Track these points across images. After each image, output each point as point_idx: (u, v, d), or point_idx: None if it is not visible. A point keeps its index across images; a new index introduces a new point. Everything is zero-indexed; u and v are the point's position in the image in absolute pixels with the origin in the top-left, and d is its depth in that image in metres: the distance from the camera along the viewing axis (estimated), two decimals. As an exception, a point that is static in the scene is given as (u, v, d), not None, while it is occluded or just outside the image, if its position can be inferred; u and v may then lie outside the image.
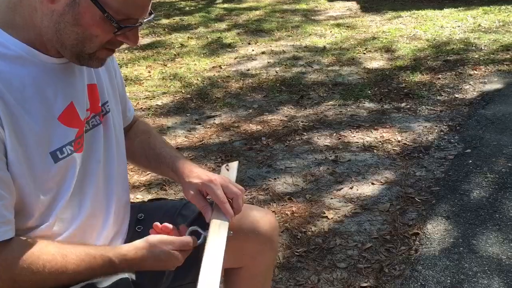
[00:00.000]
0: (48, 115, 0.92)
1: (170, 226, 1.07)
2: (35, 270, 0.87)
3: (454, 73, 4.13)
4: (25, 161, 0.89)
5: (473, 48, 4.70)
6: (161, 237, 1.03)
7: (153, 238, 1.02)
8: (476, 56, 4.47)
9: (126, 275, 1.07)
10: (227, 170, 1.27)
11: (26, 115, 0.88)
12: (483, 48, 4.68)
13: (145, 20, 0.91)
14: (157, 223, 1.07)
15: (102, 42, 0.89)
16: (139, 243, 1.01)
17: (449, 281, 1.88)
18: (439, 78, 4.03)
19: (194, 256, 1.04)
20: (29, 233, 0.94)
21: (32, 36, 0.89)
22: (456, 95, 3.68)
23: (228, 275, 1.33)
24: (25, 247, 0.88)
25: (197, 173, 1.14)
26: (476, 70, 4.14)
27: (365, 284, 1.91)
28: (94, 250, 0.96)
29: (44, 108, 0.92)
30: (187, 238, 1.05)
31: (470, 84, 3.87)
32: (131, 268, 1.00)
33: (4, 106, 0.85)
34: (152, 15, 0.94)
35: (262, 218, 1.24)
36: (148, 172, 2.76)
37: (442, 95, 3.70)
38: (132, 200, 2.63)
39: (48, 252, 0.90)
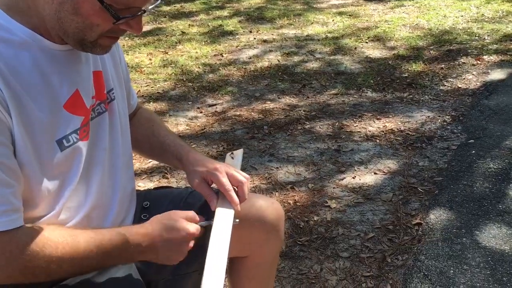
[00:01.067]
0: (53, 103, 0.91)
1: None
2: (47, 254, 0.86)
3: (457, 63, 4.10)
4: (32, 149, 0.87)
5: (476, 38, 4.67)
6: (165, 213, 1.02)
7: (157, 215, 1.01)
8: (479, 46, 4.44)
9: (132, 265, 1.07)
10: (232, 158, 1.26)
11: (32, 102, 0.87)
12: (486, 38, 4.65)
13: (150, 7, 0.89)
14: None
15: (103, 30, 0.87)
16: (145, 222, 1.00)
17: (452, 271, 1.88)
18: (442, 68, 4.00)
19: (200, 245, 1.03)
20: (36, 222, 0.93)
21: (36, 21, 0.88)
22: (459, 85, 3.66)
23: (234, 264, 1.33)
24: (35, 232, 0.87)
25: (202, 161, 1.13)
26: (479, 60, 4.11)
27: (367, 274, 1.91)
28: (103, 229, 0.96)
29: (49, 96, 0.90)
30: (190, 212, 1.03)
31: (473, 74, 3.85)
32: (143, 242, 0.96)
33: (11, 93, 0.84)
34: (158, 1, 0.92)
35: (268, 207, 1.23)
36: (150, 160, 2.75)
37: (445, 85, 3.68)
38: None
39: (59, 233, 0.89)
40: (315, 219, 2.24)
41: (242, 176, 1.11)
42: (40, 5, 0.86)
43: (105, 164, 1.04)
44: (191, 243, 1.00)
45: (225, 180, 1.08)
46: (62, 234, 0.90)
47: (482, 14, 5.42)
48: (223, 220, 1.04)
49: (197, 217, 1.03)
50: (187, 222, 0.99)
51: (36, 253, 0.86)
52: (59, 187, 0.94)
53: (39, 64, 0.89)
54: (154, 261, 1.00)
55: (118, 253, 0.94)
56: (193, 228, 0.99)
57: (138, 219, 1.18)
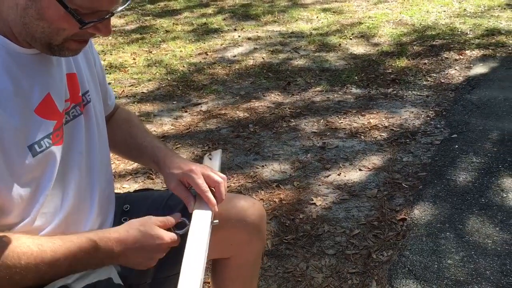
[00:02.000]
0: (24, 108, 0.89)
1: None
2: (10, 264, 0.84)
3: (439, 58, 4.13)
4: (2, 156, 0.86)
5: (459, 33, 4.71)
6: (140, 218, 1.01)
7: (133, 220, 1.00)
8: (462, 40, 4.48)
9: (112, 267, 1.06)
10: (210, 159, 1.25)
11: (1, 108, 0.85)
12: (468, 32, 4.69)
13: (118, 10, 0.87)
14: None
15: (69, 34, 0.86)
16: (119, 226, 0.99)
17: (436, 265, 1.90)
18: (425, 63, 4.03)
19: (180, 247, 1.02)
20: (11, 229, 0.91)
21: (2, 27, 0.86)
22: (442, 80, 3.69)
23: (217, 265, 1.32)
24: (8, 244, 0.86)
25: (178, 163, 1.12)
26: (461, 55, 4.15)
27: (353, 270, 1.92)
28: (72, 235, 0.93)
29: (20, 101, 0.88)
30: (167, 217, 1.03)
31: (455, 69, 3.88)
32: (116, 249, 0.95)
33: None
34: (127, 3, 0.90)
35: (250, 207, 1.23)
36: (134, 161, 2.73)
37: (428, 81, 3.71)
38: (118, 190, 2.61)
39: (23, 243, 0.87)
40: (300, 217, 2.25)
41: (218, 176, 1.10)
42: (4, 11, 0.84)
43: (82, 167, 1.02)
44: (164, 251, 1.00)
45: (201, 182, 1.07)
46: (27, 243, 0.88)
47: (464, 9, 5.47)
48: (201, 222, 1.04)
49: (173, 222, 1.02)
50: (163, 231, 0.99)
51: (6, 265, 0.84)
52: (32, 193, 0.92)
53: (8, 69, 0.87)
54: (124, 265, 0.99)
55: (87, 260, 0.92)
56: (168, 237, 0.99)
57: (118, 222, 1.16)
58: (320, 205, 2.33)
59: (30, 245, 0.88)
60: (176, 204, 1.19)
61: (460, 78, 3.72)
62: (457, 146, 2.74)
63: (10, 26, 0.85)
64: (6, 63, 0.87)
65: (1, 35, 0.86)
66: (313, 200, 2.36)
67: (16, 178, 0.88)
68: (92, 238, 0.93)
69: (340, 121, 3.14)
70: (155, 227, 0.98)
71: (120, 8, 0.87)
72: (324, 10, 5.90)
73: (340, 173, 2.57)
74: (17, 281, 0.87)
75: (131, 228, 0.97)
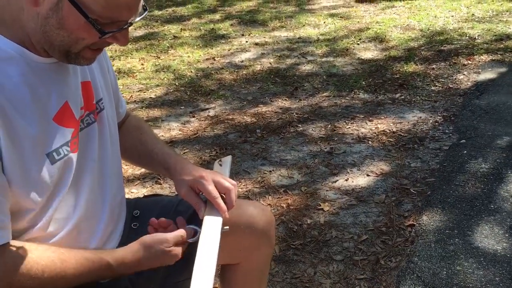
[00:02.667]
0: (43, 116, 0.90)
1: (166, 221, 1.07)
2: (33, 275, 0.87)
3: (448, 63, 4.12)
4: (20, 164, 0.87)
5: (467, 38, 4.70)
6: (155, 236, 1.03)
7: (147, 238, 1.02)
8: (470, 46, 4.47)
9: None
10: (220, 165, 1.26)
11: (20, 117, 0.86)
12: (476, 37, 4.68)
13: (136, 20, 0.89)
14: (154, 219, 1.07)
15: (88, 43, 0.88)
16: (134, 246, 1.01)
17: (445, 272, 1.89)
18: (433, 68, 4.02)
19: (190, 253, 1.03)
20: (24, 234, 0.92)
21: (21, 35, 0.87)
22: (450, 85, 3.68)
23: (225, 271, 1.33)
24: (24, 252, 0.87)
25: (188, 169, 1.13)
26: (470, 60, 4.13)
27: (361, 277, 1.92)
28: (92, 255, 0.96)
29: (38, 109, 0.90)
30: (180, 232, 1.05)
31: (464, 74, 3.87)
32: (129, 270, 1.00)
33: None
34: (146, 12, 0.92)
35: (259, 213, 1.23)
36: (142, 166, 2.74)
37: (436, 86, 3.70)
38: (127, 195, 2.61)
39: (48, 257, 0.90)
40: (308, 222, 2.25)
41: (229, 183, 1.11)
42: (24, 20, 0.85)
43: (95, 174, 1.03)
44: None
45: (211, 188, 1.08)
46: (51, 258, 0.90)
47: (473, 14, 5.46)
48: (211, 228, 1.04)
49: (185, 236, 1.05)
50: (177, 249, 1.02)
51: (21, 274, 0.86)
52: (47, 200, 0.93)
53: (26, 78, 0.88)
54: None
55: (103, 277, 0.99)
56: (180, 253, 1.04)
57: (128, 228, 1.17)
58: (327, 210, 2.32)
59: (54, 259, 0.90)
60: (185, 210, 1.20)
61: (469, 83, 3.70)
62: (465, 151, 2.73)
63: (29, 35, 0.87)
64: (24, 72, 0.88)
65: (20, 45, 0.88)
66: (320, 205, 2.36)
67: (32, 185, 0.89)
68: (109, 262, 0.97)
69: (347, 126, 3.14)
70: (170, 249, 1.02)
71: (138, 19, 0.88)
72: (332, 15, 5.91)
73: (348, 179, 2.57)
74: None
75: (148, 251, 1.01)
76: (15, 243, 0.88)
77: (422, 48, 4.52)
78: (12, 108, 0.85)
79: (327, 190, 2.48)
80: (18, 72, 0.87)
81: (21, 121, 0.86)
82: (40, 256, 0.88)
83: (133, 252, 0.99)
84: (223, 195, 1.10)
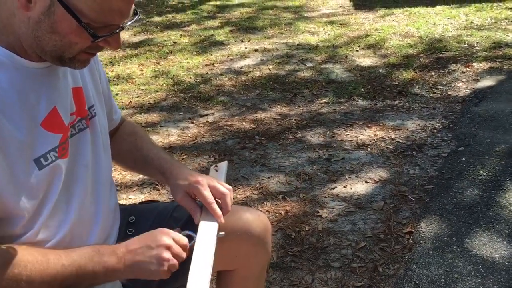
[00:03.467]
0: (30, 121, 0.90)
1: None
2: (16, 272, 0.86)
3: (446, 70, 4.13)
4: (7, 169, 0.86)
5: (466, 45, 4.71)
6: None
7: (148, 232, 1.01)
8: (469, 53, 4.48)
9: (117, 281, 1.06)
10: (216, 170, 1.26)
11: (7, 122, 0.86)
12: (475, 45, 4.69)
13: (128, 24, 0.89)
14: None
15: (82, 48, 0.87)
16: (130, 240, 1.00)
17: (443, 280, 1.88)
18: (432, 76, 4.03)
19: (185, 259, 1.02)
20: (15, 241, 0.91)
21: (11, 40, 0.87)
22: (449, 93, 3.69)
23: (221, 278, 1.32)
24: (4, 253, 0.86)
25: (184, 174, 1.13)
26: (468, 68, 4.14)
27: (359, 284, 1.91)
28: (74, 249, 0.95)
29: (26, 114, 0.89)
30: (182, 236, 1.03)
31: (462, 82, 3.87)
32: (119, 257, 0.95)
33: None
34: (136, 16, 0.91)
35: (255, 220, 1.23)
36: (140, 172, 2.74)
37: (435, 93, 3.70)
38: (124, 201, 2.61)
39: (28, 252, 0.89)
40: (306, 229, 2.24)
41: (224, 188, 1.10)
42: (16, 24, 0.85)
43: (87, 180, 1.03)
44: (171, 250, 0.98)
45: (207, 193, 1.08)
46: (31, 252, 0.89)
47: (471, 22, 5.47)
48: (207, 233, 1.04)
49: (184, 241, 1.02)
50: (172, 242, 0.99)
51: (6, 276, 0.85)
52: (37, 206, 0.92)
53: (15, 84, 0.88)
54: (132, 275, 0.99)
55: (92, 266, 0.93)
56: (173, 234, 0.99)
57: (123, 234, 1.17)
58: (326, 217, 2.31)
59: (35, 254, 0.89)
60: (181, 216, 1.20)
61: (467, 90, 3.71)
62: (464, 158, 2.73)
63: (21, 40, 0.87)
64: (13, 78, 0.88)
65: (10, 50, 0.88)
66: (319, 212, 2.35)
67: (21, 191, 0.89)
68: (95, 246, 0.94)
69: (346, 133, 3.14)
70: (165, 236, 0.99)
71: (129, 22, 0.88)
72: (331, 22, 5.93)
73: (346, 185, 2.56)
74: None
75: (138, 237, 0.98)
76: (5, 250, 0.87)
77: (421, 55, 4.53)
78: (0, 114, 0.85)
79: (325, 197, 2.48)
80: (7, 78, 0.87)
81: (8, 126, 0.86)
82: (21, 252, 0.88)
83: (123, 242, 0.98)
84: (218, 200, 1.09)
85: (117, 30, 0.87)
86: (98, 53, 1.00)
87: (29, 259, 0.87)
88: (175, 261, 0.97)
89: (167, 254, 0.96)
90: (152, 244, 0.96)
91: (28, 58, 0.90)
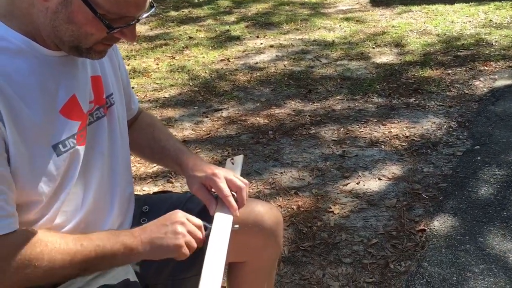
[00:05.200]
0: (49, 108, 0.92)
1: None
2: (40, 255, 0.88)
3: (464, 68, 4.08)
4: (26, 155, 0.88)
5: (484, 43, 4.65)
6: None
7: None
8: (487, 51, 4.42)
9: (129, 266, 1.07)
10: (232, 163, 1.27)
11: (27, 108, 0.88)
12: (494, 43, 4.62)
13: (144, 16, 0.90)
14: None
15: (98, 39, 0.89)
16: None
17: (455, 278, 1.87)
18: (449, 74, 3.99)
19: (198, 249, 1.04)
20: (32, 226, 0.93)
21: (31, 29, 0.89)
22: (466, 91, 3.65)
23: (232, 269, 1.33)
24: (28, 235, 0.88)
25: (201, 166, 1.14)
26: (486, 66, 4.09)
27: (370, 280, 1.91)
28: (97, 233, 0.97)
29: (45, 101, 0.91)
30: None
31: (480, 80, 3.83)
32: (138, 236, 0.97)
33: (4, 100, 0.85)
34: (153, 9, 0.93)
35: (267, 212, 1.24)
36: (154, 165, 2.76)
37: (451, 91, 3.66)
38: (138, 192, 2.64)
39: (50, 235, 0.91)
40: (318, 224, 2.24)
41: (241, 181, 1.11)
42: (34, 14, 0.87)
43: (104, 168, 1.05)
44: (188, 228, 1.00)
45: (223, 186, 1.08)
46: (51, 234, 0.91)
47: (490, 20, 5.40)
48: (222, 226, 1.05)
49: (199, 222, 1.03)
50: (186, 222, 1.00)
51: (28, 256, 0.87)
52: (54, 191, 0.94)
53: (35, 71, 0.90)
54: (148, 255, 1.00)
55: (111, 246, 0.95)
56: (189, 230, 1.00)
57: (137, 223, 1.18)
58: (338, 213, 2.31)
59: (56, 237, 0.90)
60: (194, 207, 1.21)
61: (485, 89, 3.66)
62: (479, 157, 2.70)
63: (39, 29, 0.88)
64: (33, 65, 0.90)
65: (29, 38, 0.89)
66: (331, 208, 2.35)
67: (38, 176, 0.91)
68: (111, 228, 0.97)
69: (360, 130, 3.13)
70: (181, 218, 1.00)
71: (145, 15, 0.90)
72: (347, 19, 5.89)
73: (359, 182, 2.56)
74: (46, 272, 0.89)
75: (156, 219, 1.00)
76: (19, 230, 0.89)
77: (438, 53, 4.48)
78: (20, 99, 0.87)
79: (338, 193, 2.47)
80: (27, 65, 0.89)
81: (27, 112, 0.88)
82: (42, 235, 0.90)
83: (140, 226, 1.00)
84: (234, 193, 1.10)
85: (133, 22, 0.88)
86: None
87: (49, 239, 0.90)
88: (190, 237, 0.98)
89: (181, 228, 0.98)
90: (167, 222, 0.99)
91: (47, 47, 0.91)
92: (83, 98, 0.98)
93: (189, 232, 0.98)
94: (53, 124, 0.92)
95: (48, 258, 0.88)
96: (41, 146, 0.90)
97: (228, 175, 1.12)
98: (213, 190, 1.12)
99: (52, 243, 0.89)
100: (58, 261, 0.89)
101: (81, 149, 0.98)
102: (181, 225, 0.98)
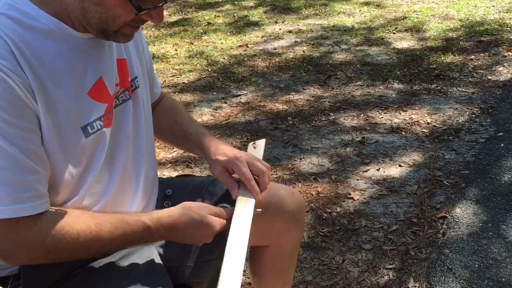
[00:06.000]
0: (78, 90, 0.93)
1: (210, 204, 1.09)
2: (69, 240, 0.89)
3: (487, 54, 4.00)
4: (57, 135, 0.89)
5: (508, 28, 4.53)
6: (196, 202, 1.04)
7: (188, 202, 1.03)
8: (511, 37, 4.32)
9: (153, 248, 1.09)
10: (254, 148, 1.26)
11: (57, 89, 0.89)
12: (518, 28, 4.51)
13: None
14: (200, 200, 1.10)
15: (125, 21, 0.89)
16: (174, 208, 1.02)
17: (477, 265, 1.85)
18: (471, 59, 3.91)
19: (221, 232, 1.04)
20: (60, 207, 0.95)
21: (60, 10, 0.89)
22: (489, 77, 3.57)
23: (255, 253, 1.34)
24: (60, 217, 0.90)
25: (223, 150, 1.14)
26: (510, 52, 4.00)
27: (390, 266, 1.90)
28: (128, 216, 0.97)
29: (74, 83, 0.92)
30: (219, 208, 1.06)
31: (504, 66, 3.75)
32: (167, 233, 0.99)
33: (36, 80, 0.86)
34: None
35: (289, 197, 1.23)
36: (174, 150, 2.78)
37: (474, 77, 3.59)
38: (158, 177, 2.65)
39: (82, 221, 0.91)
40: (338, 210, 2.24)
41: (263, 165, 1.11)
42: None
43: (129, 150, 1.05)
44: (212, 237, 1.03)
45: (245, 170, 1.08)
46: (86, 222, 0.92)
47: (515, 4, 5.26)
48: (244, 209, 1.05)
49: (224, 214, 1.05)
50: (214, 219, 1.02)
51: (57, 239, 0.88)
52: (82, 173, 0.96)
53: (63, 52, 0.91)
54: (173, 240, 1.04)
55: (139, 241, 0.98)
56: (219, 226, 1.02)
57: (160, 206, 1.19)
58: (357, 199, 2.30)
59: (89, 223, 0.92)
60: (216, 191, 1.21)
61: (509, 75, 3.59)
62: (503, 144, 2.65)
63: (68, 10, 0.89)
64: (62, 46, 0.91)
65: (59, 19, 0.90)
66: (350, 194, 2.34)
67: (68, 157, 0.92)
68: (146, 222, 0.97)
69: (380, 116, 3.09)
70: (208, 216, 1.01)
71: None
72: (367, 3, 5.80)
73: (379, 168, 2.54)
74: (74, 254, 0.92)
75: (185, 214, 1.00)
76: (50, 210, 0.90)
77: (461, 38, 4.39)
78: (50, 80, 0.88)
79: (357, 179, 2.46)
80: (56, 46, 0.90)
81: (58, 93, 0.89)
82: (75, 220, 0.91)
83: (171, 213, 1.00)
84: (256, 177, 1.10)
85: (160, 4, 0.88)
86: (138, 28, 1.01)
87: (82, 228, 0.91)
88: (212, 231, 1.02)
89: (207, 240, 1.03)
90: (198, 234, 1.03)
91: (75, 28, 0.92)
92: (110, 81, 0.99)
93: (209, 225, 1.01)
94: (82, 106, 0.93)
95: (72, 239, 0.90)
96: (71, 128, 0.91)
97: (250, 159, 1.11)
98: (235, 174, 1.12)
99: (78, 223, 0.91)
100: (82, 241, 0.91)
101: (108, 131, 0.98)
102: (202, 227, 1.01)
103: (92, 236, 0.91)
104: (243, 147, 2.76)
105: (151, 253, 1.07)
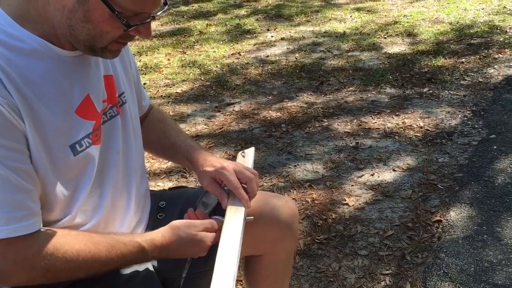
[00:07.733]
0: (65, 108, 0.93)
1: (203, 213, 1.11)
2: (69, 259, 0.89)
3: (478, 57, 4.03)
4: (46, 154, 0.89)
5: (498, 31, 4.58)
6: (184, 221, 1.05)
7: (176, 222, 1.04)
8: (501, 39, 4.35)
9: (148, 264, 1.09)
10: (243, 156, 1.27)
11: (44, 108, 0.89)
12: (508, 31, 4.55)
13: (158, 13, 0.90)
14: (191, 210, 1.12)
15: (113, 37, 0.89)
16: (163, 228, 1.03)
17: (472, 269, 1.86)
18: (462, 62, 3.94)
19: (215, 243, 1.04)
20: (54, 225, 0.95)
21: (46, 29, 0.89)
22: (480, 80, 3.60)
23: (249, 263, 1.34)
24: (58, 237, 0.90)
25: (210, 161, 1.14)
26: (501, 54, 4.03)
27: (386, 272, 1.90)
28: (123, 237, 0.98)
29: (61, 101, 0.92)
30: (209, 220, 1.07)
31: (494, 68, 3.78)
32: (161, 253, 1.01)
33: (23, 100, 0.85)
34: (166, 6, 0.93)
35: (283, 205, 1.24)
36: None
37: (465, 80, 3.62)
38: (153, 188, 2.65)
39: (80, 240, 0.92)
40: (333, 217, 2.24)
41: (250, 172, 1.11)
42: (51, 12, 0.87)
43: (119, 166, 1.05)
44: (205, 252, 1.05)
45: (233, 178, 1.09)
46: (84, 241, 0.92)
47: (504, 7, 5.31)
48: (234, 218, 1.05)
49: (216, 226, 1.06)
50: (204, 234, 1.03)
51: (58, 258, 0.88)
52: (73, 191, 0.96)
53: (50, 72, 0.91)
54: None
55: (134, 261, 0.99)
56: (210, 241, 1.04)
57: (154, 219, 1.19)
58: (353, 205, 2.31)
59: (87, 242, 0.92)
60: (210, 202, 1.21)
61: (499, 77, 3.61)
62: (495, 146, 2.67)
63: (55, 28, 0.89)
64: (48, 66, 0.91)
65: (44, 38, 0.90)
66: (345, 200, 2.34)
67: (58, 176, 0.92)
68: (141, 243, 0.98)
69: (373, 121, 3.11)
70: (197, 233, 1.03)
71: (160, 12, 0.90)
72: (358, 9, 5.84)
73: (374, 174, 2.55)
74: (73, 274, 0.92)
75: (174, 234, 1.02)
76: (48, 229, 0.90)
77: (451, 41, 4.43)
78: (37, 100, 0.88)
79: (352, 185, 2.47)
80: (43, 66, 0.90)
81: (46, 112, 0.89)
82: (73, 240, 0.91)
83: (162, 233, 1.01)
84: (244, 185, 1.11)
85: (148, 19, 0.89)
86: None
87: (81, 248, 0.92)
88: (205, 245, 1.04)
89: (201, 254, 1.05)
90: (190, 251, 1.06)
91: (61, 46, 0.92)
92: (97, 97, 0.99)
93: (201, 241, 1.03)
94: (70, 124, 0.93)
95: (71, 258, 0.90)
96: (59, 146, 0.91)
97: (237, 168, 1.12)
98: (224, 184, 1.13)
99: (76, 243, 0.91)
100: (81, 261, 0.91)
101: (97, 148, 0.98)
102: (194, 244, 1.03)
103: (91, 255, 0.91)
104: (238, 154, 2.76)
105: (146, 265, 1.07)
